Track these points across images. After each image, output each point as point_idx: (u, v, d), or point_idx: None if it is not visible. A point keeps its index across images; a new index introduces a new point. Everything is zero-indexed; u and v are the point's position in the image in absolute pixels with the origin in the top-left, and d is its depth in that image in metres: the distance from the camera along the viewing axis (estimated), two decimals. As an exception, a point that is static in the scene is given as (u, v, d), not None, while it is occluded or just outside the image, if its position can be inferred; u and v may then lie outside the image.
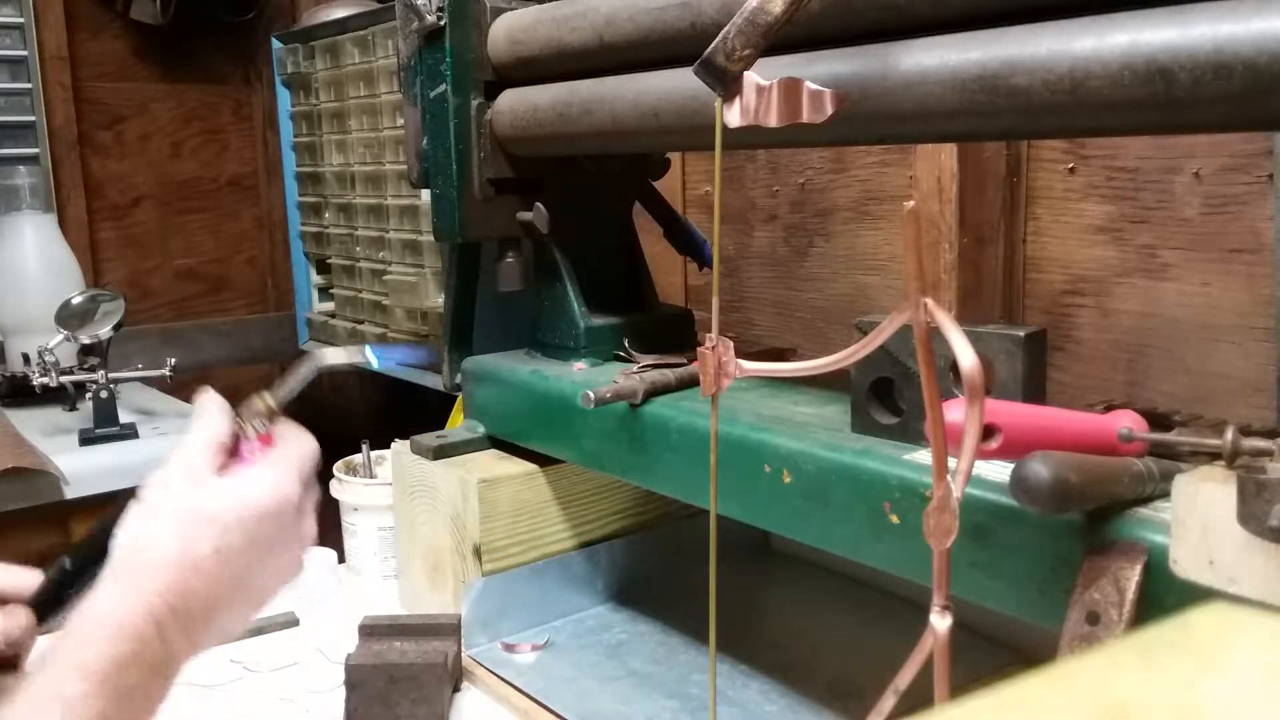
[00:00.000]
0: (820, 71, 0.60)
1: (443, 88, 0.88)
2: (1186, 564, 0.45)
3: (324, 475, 1.11)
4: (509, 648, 0.91)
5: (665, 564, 1.01)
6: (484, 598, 0.91)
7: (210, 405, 0.62)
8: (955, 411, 0.45)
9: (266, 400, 0.63)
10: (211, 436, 0.60)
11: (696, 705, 0.81)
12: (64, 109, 2.07)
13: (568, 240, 0.93)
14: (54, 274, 1.77)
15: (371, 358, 0.70)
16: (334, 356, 0.68)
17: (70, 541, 1.39)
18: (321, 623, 1.00)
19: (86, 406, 1.57)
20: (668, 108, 0.72)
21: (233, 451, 0.61)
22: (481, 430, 0.97)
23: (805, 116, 0.53)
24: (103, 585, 0.54)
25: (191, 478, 0.58)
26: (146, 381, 1.74)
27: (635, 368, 0.84)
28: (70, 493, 1.40)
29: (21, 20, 1.98)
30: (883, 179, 1.11)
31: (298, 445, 0.62)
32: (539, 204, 0.90)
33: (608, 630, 0.95)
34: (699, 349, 0.56)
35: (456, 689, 0.86)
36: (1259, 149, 0.81)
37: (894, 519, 0.60)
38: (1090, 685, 0.23)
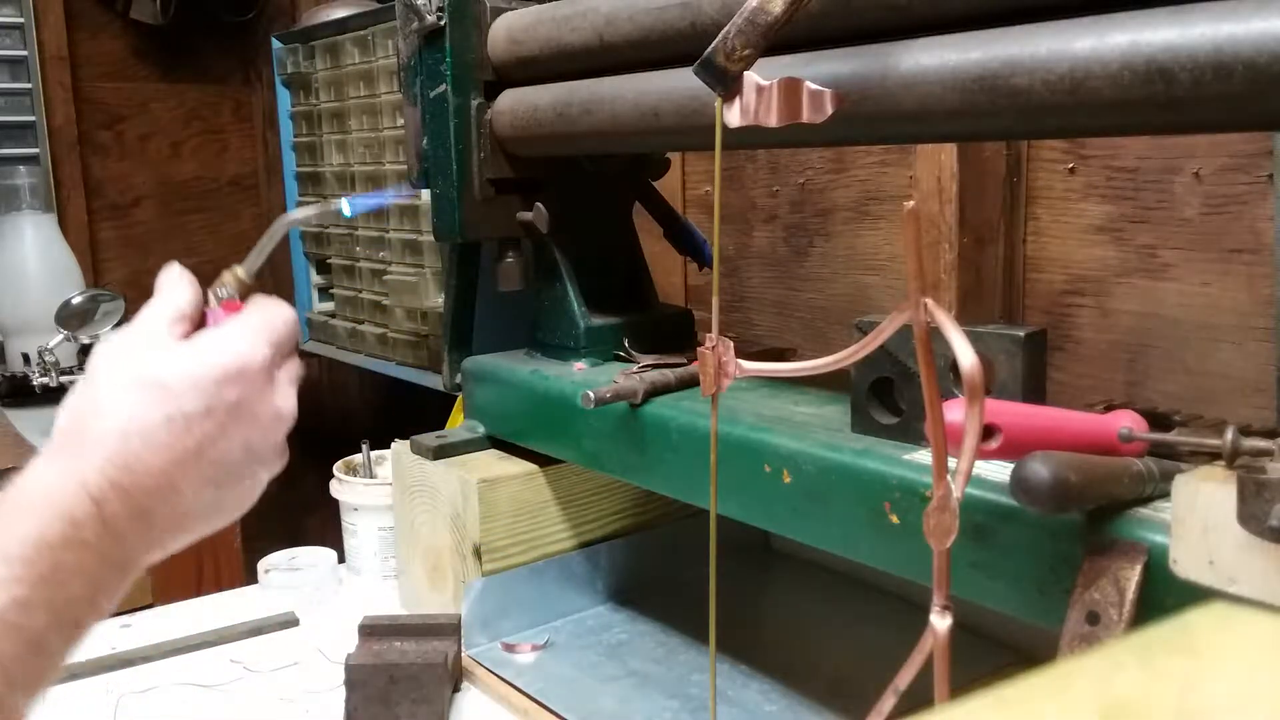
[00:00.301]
0: (820, 71, 0.60)
1: (443, 88, 0.88)
2: (1186, 564, 0.45)
3: (324, 473, 1.12)
4: (509, 648, 0.91)
5: (665, 564, 1.01)
6: (484, 598, 0.91)
7: (174, 275, 0.56)
8: (955, 411, 0.45)
9: (235, 272, 0.58)
10: (172, 306, 0.54)
11: (696, 705, 0.81)
12: (64, 109, 2.07)
13: (568, 240, 0.93)
14: (54, 274, 1.77)
15: (345, 206, 0.65)
16: (302, 213, 0.64)
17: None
18: (321, 623, 1.00)
19: (86, 406, 1.57)
20: (668, 107, 0.72)
21: (199, 325, 0.56)
22: (481, 430, 0.97)
23: (805, 116, 0.53)
24: (36, 461, 0.47)
25: (145, 345, 0.52)
26: (146, 381, 1.74)
27: (635, 368, 0.84)
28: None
29: (21, 20, 1.98)
30: (883, 179, 1.11)
31: (267, 309, 0.55)
32: (539, 204, 0.90)
33: (608, 630, 0.95)
34: (699, 349, 0.56)
35: (456, 689, 0.86)
36: (1259, 149, 0.81)
37: (894, 519, 0.60)
38: (1090, 685, 0.23)
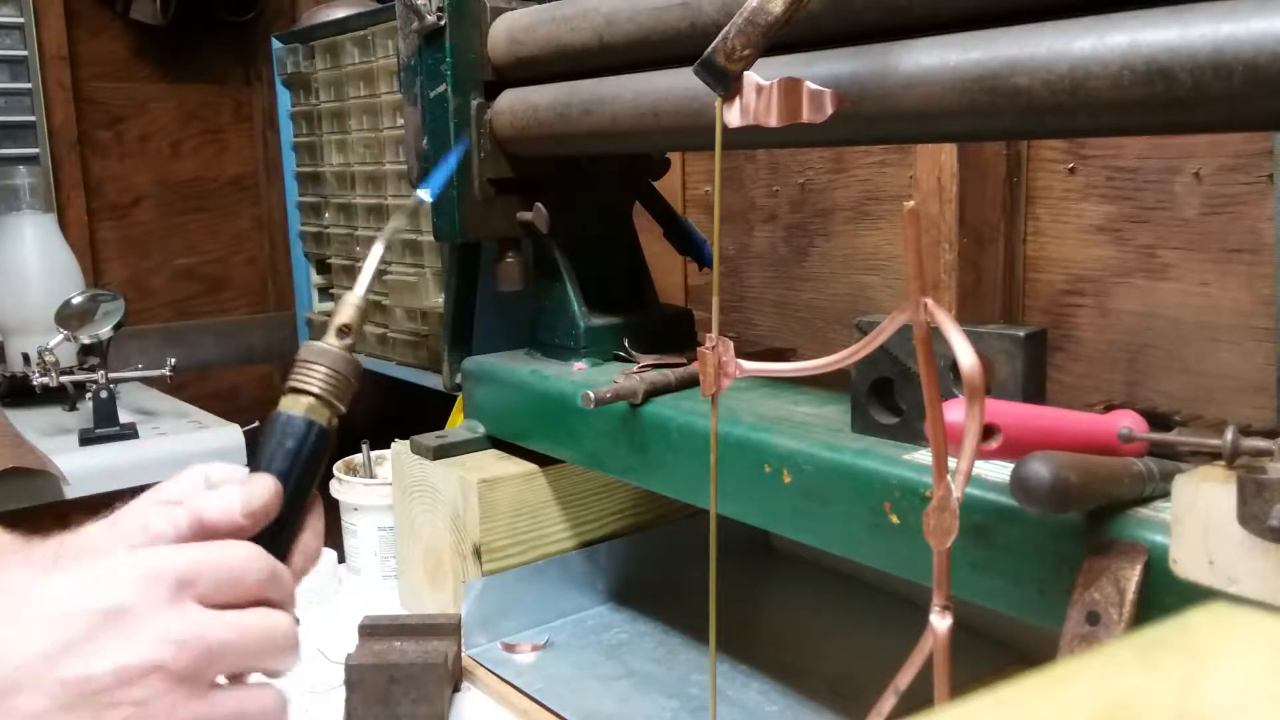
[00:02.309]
0: (820, 71, 0.60)
1: (443, 88, 0.88)
2: (1186, 564, 0.45)
3: (324, 475, 1.11)
4: (509, 648, 0.91)
5: (665, 564, 1.01)
6: (484, 598, 0.91)
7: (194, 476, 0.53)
8: (955, 411, 0.45)
9: (352, 300, 0.54)
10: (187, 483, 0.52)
11: (696, 705, 0.81)
12: (64, 109, 2.07)
13: (568, 240, 0.93)
14: (54, 274, 1.77)
15: (425, 195, 0.63)
16: (392, 224, 0.59)
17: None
18: (321, 623, 1.00)
19: (86, 406, 1.57)
20: (668, 108, 0.72)
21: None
22: (481, 430, 0.97)
23: (805, 116, 0.53)
24: None
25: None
26: (146, 381, 1.74)
27: (635, 368, 0.84)
28: (70, 493, 1.39)
29: (21, 20, 1.98)
30: (883, 179, 1.11)
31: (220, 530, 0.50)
32: (539, 204, 0.90)
33: (608, 630, 0.95)
34: (699, 349, 0.56)
35: (456, 689, 0.86)
36: (1259, 149, 0.81)
37: (894, 519, 0.60)
38: (1090, 685, 0.23)
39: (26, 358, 1.67)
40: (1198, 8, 0.46)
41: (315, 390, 0.53)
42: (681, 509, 1.01)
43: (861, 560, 0.63)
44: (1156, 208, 0.89)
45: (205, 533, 0.49)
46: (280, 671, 0.51)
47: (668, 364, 0.84)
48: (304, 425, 0.52)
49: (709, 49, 0.54)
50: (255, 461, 0.52)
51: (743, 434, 0.69)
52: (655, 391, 0.79)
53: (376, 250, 0.56)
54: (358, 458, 1.14)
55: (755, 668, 0.86)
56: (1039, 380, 0.61)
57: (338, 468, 1.11)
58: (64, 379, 1.53)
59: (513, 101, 0.88)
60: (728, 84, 0.55)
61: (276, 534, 0.52)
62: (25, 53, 1.99)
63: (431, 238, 1.02)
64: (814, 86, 0.53)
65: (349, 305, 0.54)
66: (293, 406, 0.52)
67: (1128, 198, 0.91)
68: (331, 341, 0.53)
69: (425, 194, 0.63)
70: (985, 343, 0.60)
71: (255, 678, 0.50)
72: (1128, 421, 0.54)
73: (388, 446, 1.03)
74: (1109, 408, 0.57)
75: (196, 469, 0.54)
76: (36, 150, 2.02)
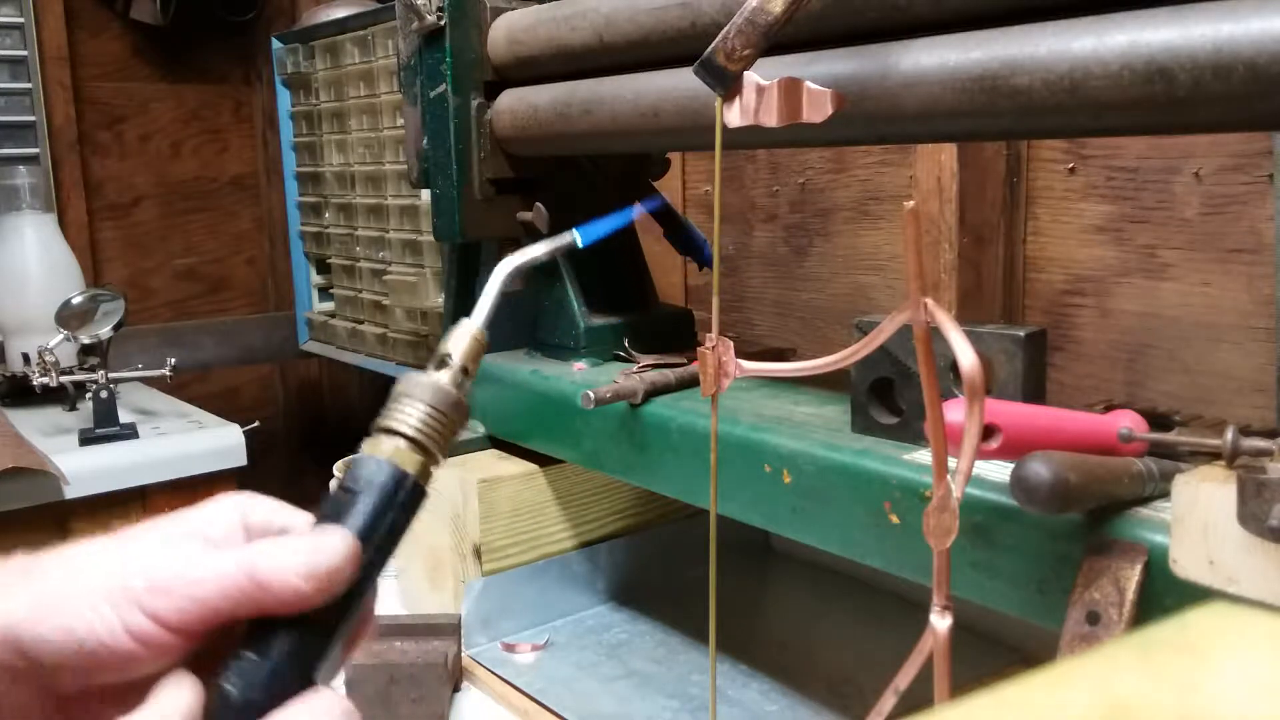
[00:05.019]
0: (820, 71, 0.60)
1: (443, 88, 0.88)
2: (1186, 564, 0.45)
3: (324, 473, 1.11)
4: (509, 648, 0.91)
5: (665, 564, 1.01)
6: (484, 598, 0.91)
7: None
8: (955, 411, 0.45)
9: (473, 332, 0.45)
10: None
11: (696, 705, 0.81)
12: (64, 109, 2.07)
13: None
14: (54, 274, 1.77)
15: (577, 237, 0.55)
16: (527, 253, 0.49)
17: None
18: (321, 623, 0.99)
19: (86, 406, 1.57)
20: (668, 107, 0.72)
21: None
22: (481, 430, 0.97)
23: (805, 116, 0.53)
24: None
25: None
26: (146, 381, 1.74)
27: (635, 368, 0.84)
28: (70, 493, 1.39)
29: (21, 20, 1.98)
30: (883, 179, 1.11)
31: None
32: (539, 204, 0.90)
33: (608, 630, 0.95)
34: (699, 349, 0.56)
35: (456, 689, 0.86)
36: (1259, 149, 0.81)
37: (894, 519, 0.60)
38: (1090, 685, 0.23)
39: (26, 358, 1.67)
40: (1198, 8, 0.46)
41: (408, 432, 0.43)
42: (681, 509, 1.01)
43: (861, 560, 0.63)
44: (1156, 208, 0.89)
45: (255, 594, 0.37)
46: None
47: (668, 364, 0.84)
48: (391, 474, 0.42)
49: (709, 49, 0.54)
50: (325, 513, 0.42)
51: (743, 434, 0.69)
52: (655, 391, 0.79)
53: (498, 275, 0.47)
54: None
55: (755, 668, 0.86)
56: (1039, 380, 0.61)
57: (337, 467, 1.11)
58: (64, 379, 1.53)
59: (513, 101, 0.88)
60: (728, 84, 0.55)
61: (343, 611, 0.40)
62: (25, 53, 1.99)
63: (431, 238, 1.02)
64: (814, 86, 0.53)
65: (463, 335, 0.45)
66: (377, 450, 0.43)
67: (1128, 198, 0.91)
68: (437, 376, 0.44)
69: (577, 237, 0.55)
70: (985, 343, 0.60)
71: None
72: (1128, 421, 0.54)
73: (388, 446, 1.03)
74: (1109, 408, 0.57)
75: (230, 500, 0.42)
76: (36, 150, 2.02)
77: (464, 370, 0.44)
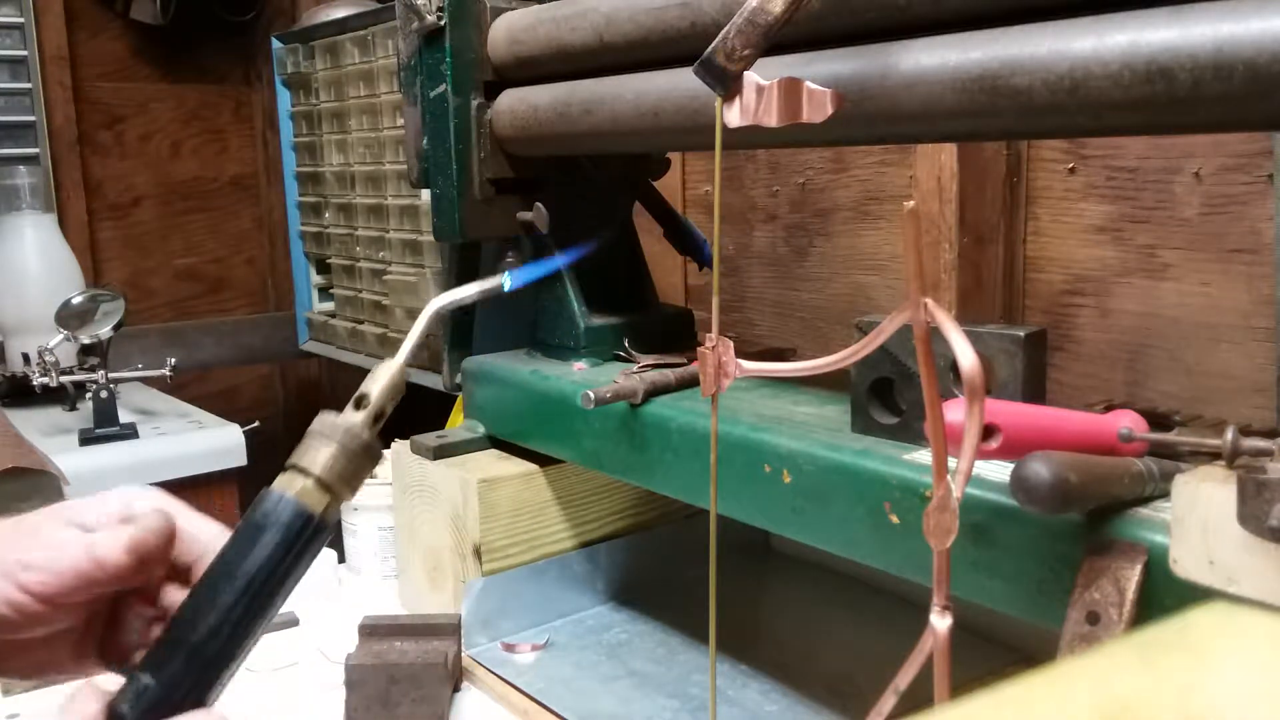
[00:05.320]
0: (820, 71, 0.60)
1: (443, 88, 0.88)
2: (1186, 564, 0.45)
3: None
4: (509, 648, 0.91)
5: (665, 564, 1.01)
6: (484, 598, 0.91)
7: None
8: (955, 411, 0.45)
9: (391, 372, 0.47)
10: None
11: (696, 705, 0.81)
12: (64, 109, 2.07)
13: (568, 240, 0.93)
14: (54, 274, 1.77)
15: (506, 281, 0.56)
16: (454, 294, 0.50)
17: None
18: (321, 623, 1.00)
19: (86, 406, 1.57)
20: (668, 107, 0.72)
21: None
22: (481, 430, 0.97)
23: (805, 116, 0.53)
24: None
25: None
26: (146, 381, 1.74)
27: (635, 368, 0.84)
28: (70, 493, 1.39)
29: (21, 20, 1.98)
30: (883, 179, 1.11)
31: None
32: (539, 204, 0.90)
33: (608, 630, 0.95)
34: (699, 349, 0.56)
35: (456, 689, 0.86)
36: (1259, 149, 0.81)
37: (894, 519, 0.60)
38: (1090, 685, 0.23)
39: (26, 358, 1.67)
40: (1198, 8, 0.46)
41: (316, 471, 0.45)
42: (681, 509, 1.01)
43: (861, 560, 0.63)
44: (1156, 208, 0.89)
45: (94, 569, 0.46)
46: None
47: (668, 364, 0.84)
48: (294, 511, 0.44)
49: (709, 49, 0.54)
50: (227, 548, 0.45)
51: (743, 434, 0.69)
52: (655, 391, 0.79)
53: (424, 316, 0.49)
54: (358, 458, 1.14)
55: (755, 668, 0.86)
56: (1039, 380, 0.61)
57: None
58: (64, 379, 1.53)
59: (513, 101, 0.88)
60: (728, 84, 0.55)
61: (236, 638, 0.44)
62: (25, 53, 1.99)
63: (431, 238, 1.02)
64: (814, 86, 0.53)
65: (383, 375, 0.46)
66: (288, 487, 0.45)
67: (1128, 198, 0.91)
68: (352, 419, 0.46)
69: (506, 280, 0.57)
70: (985, 343, 0.60)
71: None
72: (1128, 421, 0.54)
73: (387, 446, 1.03)
74: (1109, 408, 0.57)
75: (116, 493, 0.50)
76: (36, 150, 2.02)
77: (379, 413, 0.46)
